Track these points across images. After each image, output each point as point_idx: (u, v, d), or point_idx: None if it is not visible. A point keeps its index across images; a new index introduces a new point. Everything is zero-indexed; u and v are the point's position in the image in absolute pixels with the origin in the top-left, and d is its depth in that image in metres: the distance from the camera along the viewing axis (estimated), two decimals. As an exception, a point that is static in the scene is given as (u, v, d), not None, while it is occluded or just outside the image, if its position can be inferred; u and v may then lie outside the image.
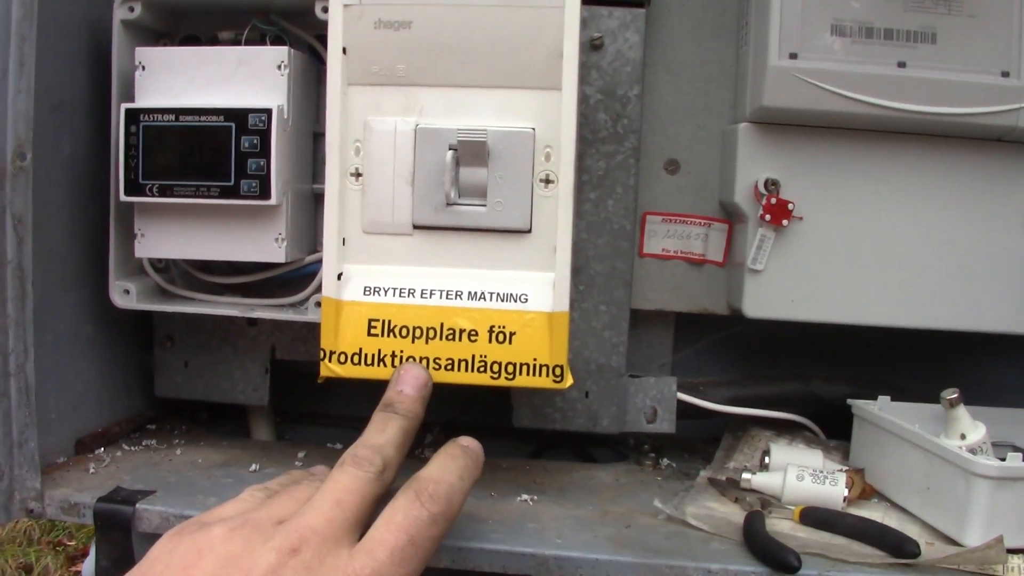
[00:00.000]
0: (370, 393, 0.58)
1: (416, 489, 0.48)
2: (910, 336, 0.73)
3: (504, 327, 0.60)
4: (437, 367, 0.60)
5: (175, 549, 0.44)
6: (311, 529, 0.44)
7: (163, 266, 0.73)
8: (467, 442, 0.55)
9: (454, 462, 0.52)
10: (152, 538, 0.71)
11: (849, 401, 0.73)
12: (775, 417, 0.78)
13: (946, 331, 0.73)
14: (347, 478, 0.48)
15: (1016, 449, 0.73)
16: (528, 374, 0.60)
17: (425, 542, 0.46)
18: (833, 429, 0.78)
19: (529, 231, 0.61)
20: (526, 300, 0.61)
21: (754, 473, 0.68)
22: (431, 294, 0.61)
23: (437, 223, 0.62)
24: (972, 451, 0.63)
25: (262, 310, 0.70)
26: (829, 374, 0.80)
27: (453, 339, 0.61)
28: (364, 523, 0.47)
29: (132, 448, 0.74)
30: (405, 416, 0.54)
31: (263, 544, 0.43)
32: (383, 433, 0.53)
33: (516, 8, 0.60)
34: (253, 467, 0.70)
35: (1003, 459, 0.60)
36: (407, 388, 0.57)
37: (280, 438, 0.84)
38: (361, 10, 0.61)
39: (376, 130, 0.62)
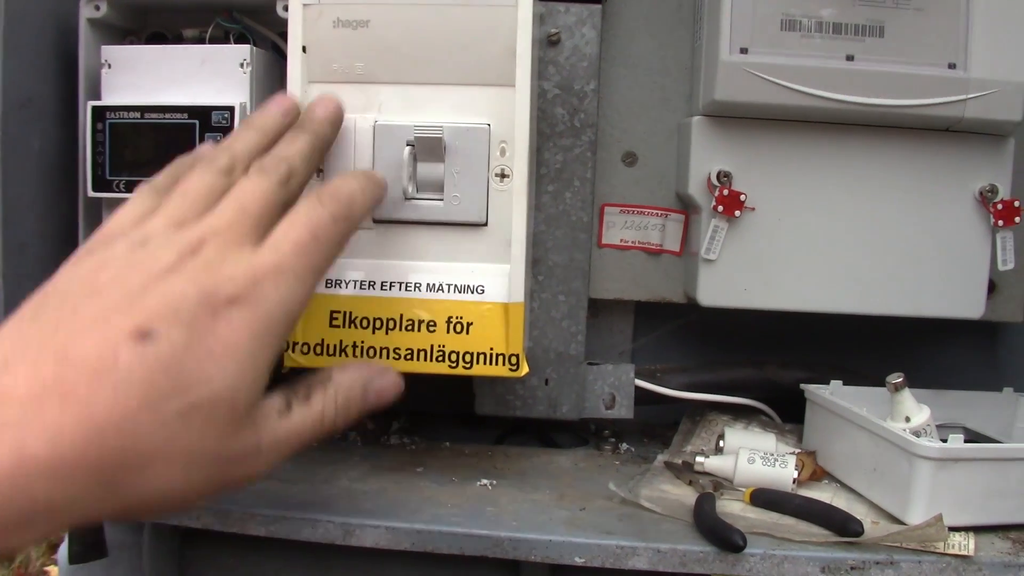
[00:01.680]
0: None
1: (317, 192, 0.49)
2: (865, 321, 0.75)
3: (462, 318, 0.62)
4: (397, 357, 0.62)
5: (79, 264, 0.44)
6: (212, 230, 0.44)
7: (133, 259, 0.74)
8: (371, 171, 0.58)
9: (355, 178, 0.53)
10: (123, 527, 0.73)
11: (802, 386, 0.76)
12: (731, 402, 0.80)
13: (898, 317, 0.75)
14: (251, 184, 0.48)
15: (965, 431, 0.76)
16: (485, 363, 0.62)
17: (327, 239, 0.47)
18: (789, 413, 0.80)
19: (485, 224, 0.63)
20: (483, 291, 0.63)
21: (708, 457, 0.70)
22: (391, 286, 0.63)
23: (396, 217, 0.63)
24: (916, 433, 0.65)
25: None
26: (784, 359, 0.82)
27: (412, 330, 0.62)
28: (268, 229, 0.46)
29: (105, 438, 0.76)
30: (314, 133, 0.55)
31: (165, 246, 0.43)
32: (290, 145, 0.53)
33: (471, 7, 0.61)
34: None
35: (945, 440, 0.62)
36: (318, 110, 0.58)
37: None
38: (320, 9, 0.62)
39: (336, 127, 0.63)
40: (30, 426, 0.36)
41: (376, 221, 0.64)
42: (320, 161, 0.56)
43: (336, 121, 0.59)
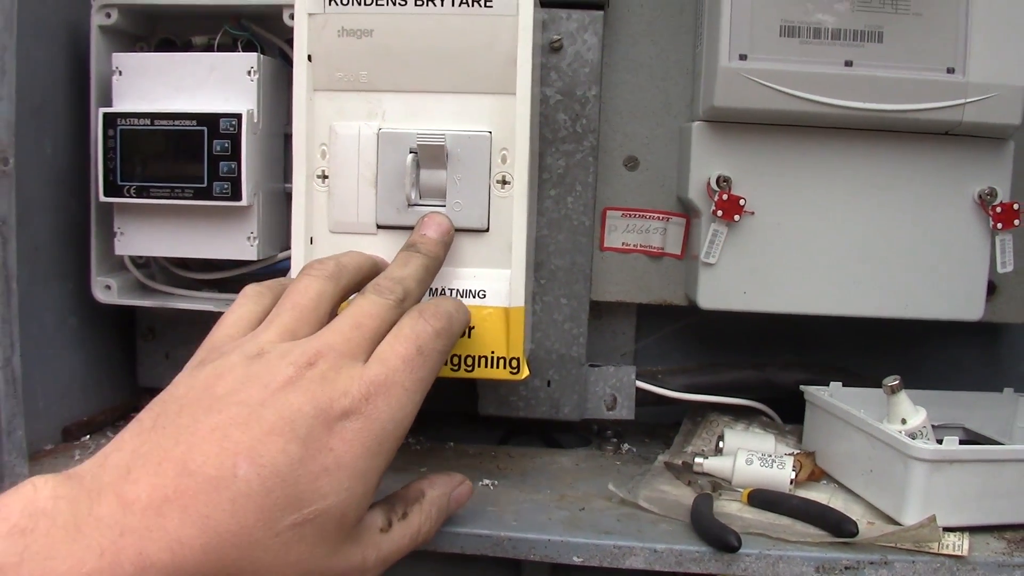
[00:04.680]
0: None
1: (419, 309, 0.51)
2: (866, 323, 0.76)
3: (464, 322, 0.64)
4: (400, 360, 0.63)
5: (196, 375, 0.45)
6: (328, 345, 0.45)
7: (144, 262, 0.76)
8: (458, 300, 0.60)
9: (449, 300, 0.55)
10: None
11: (802, 387, 0.76)
12: (732, 403, 0.81)
13: (897, 319, 0.75)
14: (367, 303, 0.50)
15: (965, 431, 0.77)
16: (486, 366, 0.63)
17: (431, 353, 0.49)
18: (790, 414, 0.80)
19: (487, 230, 0.64)
20: (484, 296, 0.64)
21: (707, 457, 0.71)
22: (394, 290, 0.64)
23: (399, 223, 0.64)
24: (912, 435, 0.66)
25: (236, 305, 0.73)
26: (785, 361, 0.83)
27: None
28: (376, 345, 0.48)
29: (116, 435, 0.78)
30: (426, 255, 0.57)
31: (280, 360, 0.44)
32: (404, 268, 0.55)
33: (472, 16, 0.62)
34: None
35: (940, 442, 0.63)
36: (429, 232, 0.60)
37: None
38: (325, 19, 0.63)
39: (341, 134, 0.64)
40: (152, 534, 0.38)
41: (380, 227, 0.65)
42: (431, 283, 0.58)
43: (448, 242, 0.60)
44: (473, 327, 0.63)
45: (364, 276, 0.55)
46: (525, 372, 0.63)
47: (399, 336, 0.48)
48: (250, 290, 0.53)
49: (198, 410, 0.42)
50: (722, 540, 0.59)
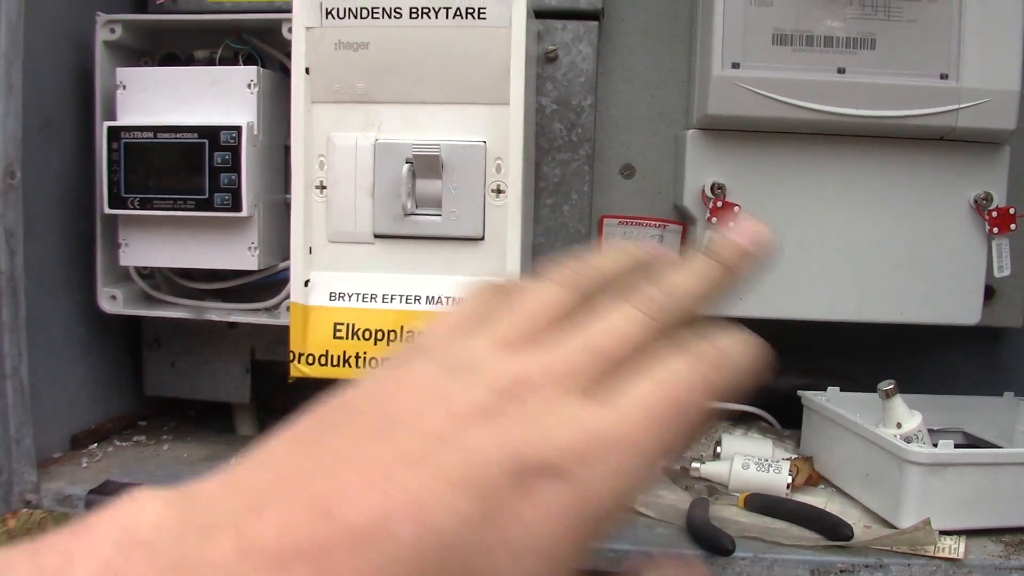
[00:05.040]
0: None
1: (699, 351, 0.34)
2: (866, 328, 0.76)
3: (459, 329, 0.64)
4: (398, 367, 0.64)
5: (386, 376, 0.34)
6: (545, 370, 0.32)
7: (148, 272, 0.77)
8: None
9: (742, 343, 0.36)
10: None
11: (799, 392, 0.77)
12: (731, 408, 0.81)
13: (896, 324, 0.76)
14: (620, 319, 0.34)
15: (965, 435, 0.77)
16: (482, 373, 0.64)
17: (695, 414, 0.33)
18: (789, 419, 0.81)
19: (482, 238, 0.65)
20: (480, 303, 0.64)
21: (703, 462, 0.71)
22: (392, 299, 0.65)
23: (396, 232, 0.66)
24: (907, 439, 0.66)
25: (239, 314, 0.74)
26: (784, 366, 0.83)
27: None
28: (616, 377, 0.34)
29: (123, 444, 0.79)
30: (725, 266, 0.38)
31: (478, 379, 0.32)
32: (688, 277, 0.36)
33: (466, 28, 0.63)
34: (235, 461, 0.74)
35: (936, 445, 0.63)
36: (739, 238, 0.38)
37: (264, 432, 0.88)
38: (322, 32, 0.65)
39: (338, 145, 0.66)
40: None
41: (377, 236, 0.66)
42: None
43: (759, 257, 0.39)
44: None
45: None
46: (520, 379, 0.64)
47: (655, 378, 0.32)
48: (481, 286, 0.38)
49: (363, 431, 0.32)
50: (717, 544, 0.60)
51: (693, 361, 0.33)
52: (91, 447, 0.77)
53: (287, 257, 0.75)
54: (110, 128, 0.71)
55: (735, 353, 0.35)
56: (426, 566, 0.28)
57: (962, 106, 0.70)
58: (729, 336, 0.36)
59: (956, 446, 0.64)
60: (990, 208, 0.73)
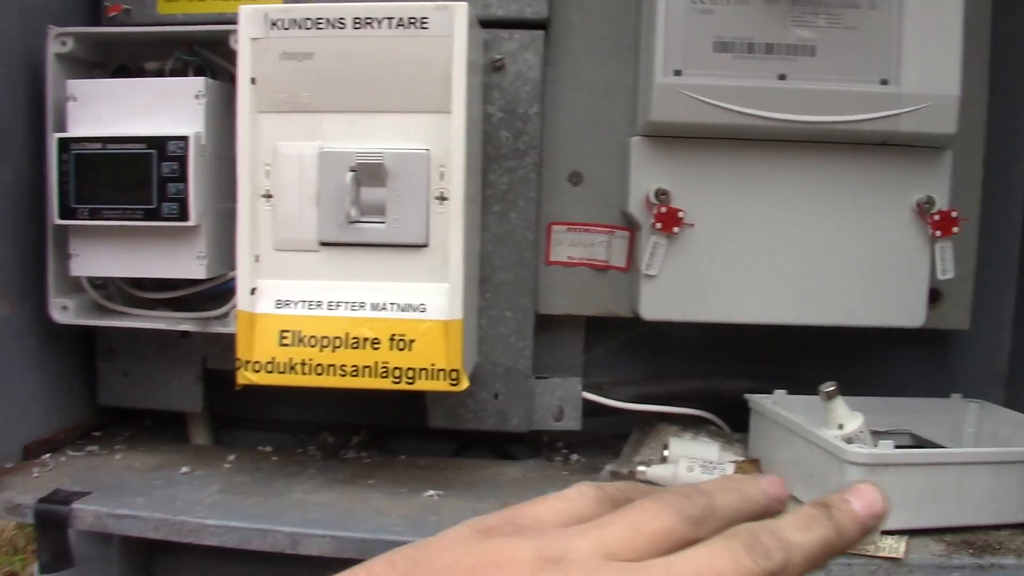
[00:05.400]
0: (299, 398, 0.64)
1: (748, 538, 0.34)
2: (812, 332, 0.77)
3: (404, 335, 0.65)
4: (343, 374, 0.65)
5: (475, 546, 0.34)
6: None
7: (101, 283, 0.78)
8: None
9: (803, 530, 0.36)
10: (88, 537, 0.76)
11: (746, 395, 0.77)
12: (679, 413, 0.82)
13: (842, 327, 0.76)
14: (726, 560, 0.34)
15: (913, 437, 0.78)
16: (427, 378, 0.65)
17: None
18: (738, 423, 0.81)
19: (426, 245, 0.66)
20: (424, 309, 0.65)
21: (650, 466, 0.72)
22: (337, 306, 0.66)
23: (341, 240, 0.66)
24: (849, 440, 0.67)
25: (188, 323, 0.74)
26: (731, 371, 0.84)
27: (357, 347, 0.65)
28: None
29: (76, 453, 0.79)
30: (838, 531, 0.38)
31: (570, 570, 0.33)
32: (804, 533, 0.36)
33: (409, 38, 0.64)
34: (184, 469, 0.75)
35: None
36: (856, 502, 0.39)
37: (217, 442, 0.88)
38: (268, 43, 0.65)
39: (283, 154, 0.66)
40: None
41: (323, 244, 0.66)
42: (821, 567, 0.38)
43: (873, 527, 0.39)
44: (414, 340, 0.65)
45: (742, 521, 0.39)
46: (465, 383, 0.65)
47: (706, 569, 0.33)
48: (588, 489, 0.39)
49: None
50: (656, 545, 0.60)
51: (740, 547, 0.33)
52: (44, 457, 0.77)
53: (235, 265, 0.75)
54: (60, 139, 0.71)
55: (790, 533, 0.35)
56: None
57: (903, 111, 0.71)
58: (786, 517, 0.37)
59: (903, 447, 0.65)
60: (933, 212, 0.74)
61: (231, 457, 0.79)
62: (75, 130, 0.72)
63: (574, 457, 0.82)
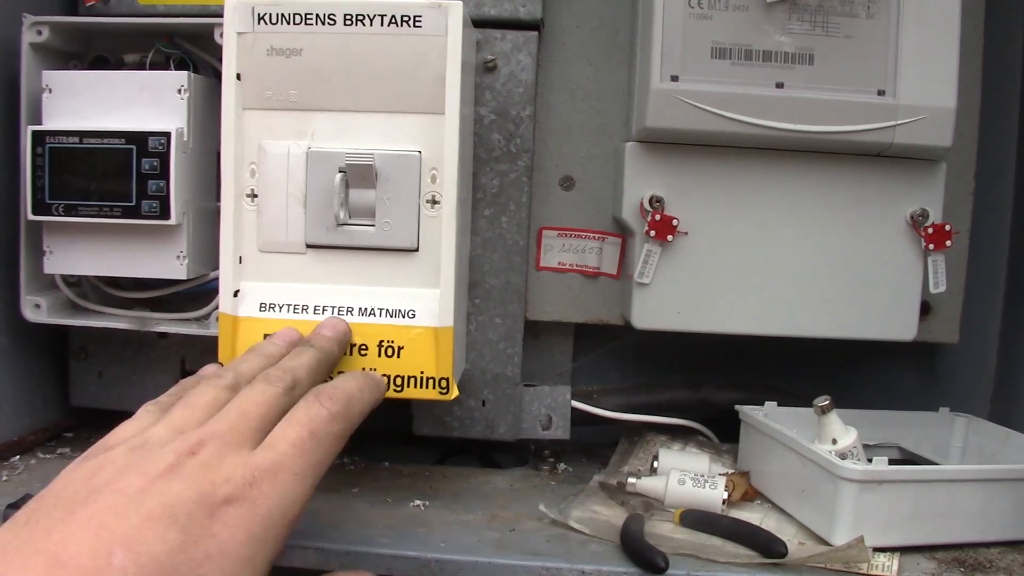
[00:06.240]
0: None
1: (315, 392, 0.50)
2: (802, 343, 0.76)
3: (393, 341, 0.63)
4: (330, 379, 0.63)
5: (77, 469, 0.44)
6: (212, 434, 0.45)
7: (75, 281, 0.75)
8: (371, 373, 0.60)
9: (354, 378, 0.55)
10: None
11: (737, 407, 0.77)
12: (668, 423, 0.81)
13: (832, 339, 0.76)
14: (255, 392, 0.49)
15: (901, 451, 0.77)
16: (416, 386, 0.63)
17: (325, 438, 0.48)
18: (727, 433, 0.81)
19: (416, 250, 0.64)
20: (413, 316, 0.63)
21: (640, 477, 0.71)
22: (324, 310, 0.64)
23: (328, 242, 0.64)
24: (842, 455, 0.66)
25: (167, 324, 0.72)
26: (721, 381, 0.83)
27: (345, 353, 0.63)
28: (268, 432, 0.47)
29: (47, 456, 0.77)
30: (320, 349, 0.57)
31: (161, 448, 0.43)
32: (296, 358, 0.55)
33: (402, 36, 0.62)
34: None
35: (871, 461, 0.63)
36: (325, 330, 0.60)
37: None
38: (254, 37, 0.63)
39: (270, 153, 0.64)
40: None
41: (309, 247, 0.64)
42: (326, 376, 0.58)
43: (343, 341, 0.61)
44: (403, 346, 0.63)
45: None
46: (454, 392, 0.63)
47: (291, 421, 0.48)
48: (147, 405, 0.52)
49: (74, 502, 0.41)
50: (650, 561, 0.59)
51: (312, 398, 0.50)
52: (13, 460, 0.75)
53: (217, 266, 0.73)
54: (34, 132, 0.69)
55: (345, 384, 0.53)
56: (170, 570, 0.39)
57: (899, 122, 0.70)
58: (344, 376, 0.56)
59: (891, 461, 0.64)
60: (926, 224, 0.74)
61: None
62: (50, 123, 0.70)
63: (561, 466, 0.80)
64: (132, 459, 0.43)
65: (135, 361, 0.79)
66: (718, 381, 0.84)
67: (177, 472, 0.42)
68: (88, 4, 0.76)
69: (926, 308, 0.79)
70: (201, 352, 0.78)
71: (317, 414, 0.48)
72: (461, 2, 0.62)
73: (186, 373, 0.79)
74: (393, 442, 0.83)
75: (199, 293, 0.73)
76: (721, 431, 0.82)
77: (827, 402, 0.68)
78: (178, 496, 0.41)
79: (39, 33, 0.71)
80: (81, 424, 0.84)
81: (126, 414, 0.81)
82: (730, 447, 0.80)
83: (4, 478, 0.71)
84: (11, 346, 0.76)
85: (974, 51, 0.79)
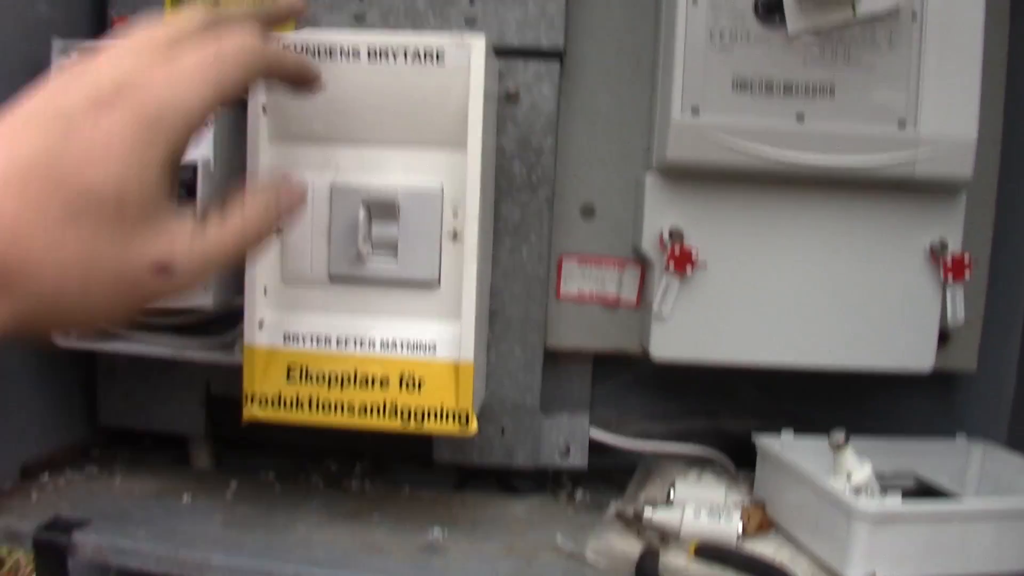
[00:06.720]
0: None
1: (238, 27, 0.49)
2: (819, 373, 0.76)
3: (413, 375, 0.64)
4: (352, 413, 0.64)
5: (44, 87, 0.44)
6: (126, 44, 0.45)
7: (103, 304, 0.76)
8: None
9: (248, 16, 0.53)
10: (88, 566, 0.75)
11: (754, 437, 0.77)
12: (685, 454, 0.82)
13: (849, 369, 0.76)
14: (184, 17, 0.48)
15: (917, 479, 0.77)
16: (436, 420, 0.64)
17: (231, 58, 0.46)
18: (744, 460, 0.81)
19: (438, 284, 0.65)
20: (434, 349, 0.64)
21: (656, 508, 0.71)
22: (346, 342, 0.65)
23: (351, 275, 0.65)
24: (857, 490, 0.67)
25: (192, 351, 0.73)
26: (738, 409, 0.84)
27: (366, 386, 0.64)
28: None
29: (75, 474, 0.78)
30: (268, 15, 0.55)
31: (82, 63, 0.44)
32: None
33: (425, 72, 0.63)
34: (185, 499, 0.74)
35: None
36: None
37: (219, 463, 0.87)
38: (280, 72, 0.64)
39: (294, 186, 0.65)
40: None
41: (332, 279, 0.65)
42: (268, 28, 0.55)
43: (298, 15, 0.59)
44: (423, 380, 0.64)
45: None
46: (474, 427, 0.64)
47: (200, 38, 0.46)
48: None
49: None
50: (663, 597, 0.60)
51: (234, 27, 0.48)
52: (42, 477, 0.76)
53: (241, 291, 0.74)
54: (64, 160, 0.70)
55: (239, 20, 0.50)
56: (30, 182, 0.39)
57: (920, 154, 0.70)
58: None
59: (906, 492, 0.64)
60: (945, 256, 0.74)
61: (233, 484, 0.78)
62: (80, 150, 0.71)
63: (579, 493, 0.81)
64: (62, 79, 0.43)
65: (161, 382, 0.81)
66: (734, 409, 0.84)
67: (73, 75, 0.43)
68: (117, 28, 0.77)
69: (944, 336, 0.79)
70: (226, 375, 0.79)
71: (232, 40, 0.47)
72: (484, 38, 0.62)
73: (211, 396, 0.81)
74: (411, 467, 0.84)
75: (223, 316, 0.74)
76: (737, 457, 0.83)
77: (842, 438, 0.68)
78: (65, 93, 0.42)
79: (69, 56, 0.72)
80: (109, 443, 0.86)
81: (153, 434, 0.85)
82: (746, 473, 0.80)
83: (34, 498, 0.72)
84: (41, 365, 0.77)
85: (996, 79, 0.78)
